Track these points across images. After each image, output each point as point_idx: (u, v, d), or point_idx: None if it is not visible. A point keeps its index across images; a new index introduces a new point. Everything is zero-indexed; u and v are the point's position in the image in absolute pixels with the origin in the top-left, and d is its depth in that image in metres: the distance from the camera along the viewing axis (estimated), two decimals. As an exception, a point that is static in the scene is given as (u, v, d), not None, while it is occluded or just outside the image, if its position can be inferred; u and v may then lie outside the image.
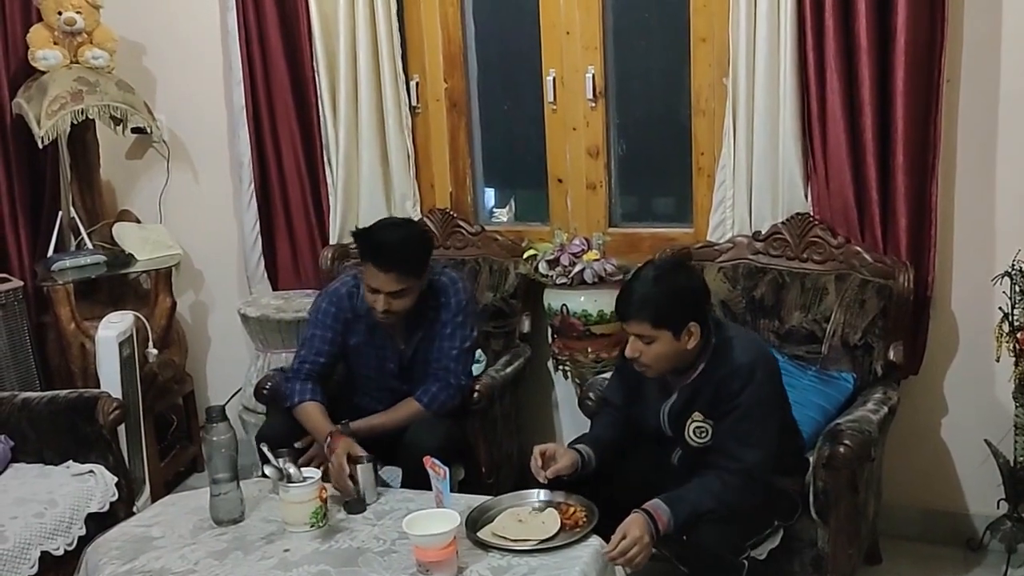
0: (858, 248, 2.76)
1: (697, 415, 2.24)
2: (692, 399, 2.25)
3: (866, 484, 2.46)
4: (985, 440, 2.77)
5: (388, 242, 2.55)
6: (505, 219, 3.57)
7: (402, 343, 2.70)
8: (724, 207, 2.99)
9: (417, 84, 3.39)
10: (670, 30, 3.16)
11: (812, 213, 2.86)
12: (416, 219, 3.25)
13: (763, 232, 2.92)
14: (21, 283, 3.36)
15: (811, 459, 2.37)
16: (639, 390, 2.37)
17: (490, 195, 3.60)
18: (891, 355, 2.65)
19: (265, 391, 2.87)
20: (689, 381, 2.25)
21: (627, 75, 3.28)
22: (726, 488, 2.16)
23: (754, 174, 2.92)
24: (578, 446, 2.35)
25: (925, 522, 2.98)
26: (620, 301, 2.23)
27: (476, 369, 2.97)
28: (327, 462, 2.41)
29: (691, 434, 2.25)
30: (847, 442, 2.27)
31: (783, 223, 2.89)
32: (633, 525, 2.10)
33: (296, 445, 2.56)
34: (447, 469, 2.18)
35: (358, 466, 2.34)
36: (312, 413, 2.59)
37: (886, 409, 2.50)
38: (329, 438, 2.44)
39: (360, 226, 3.30)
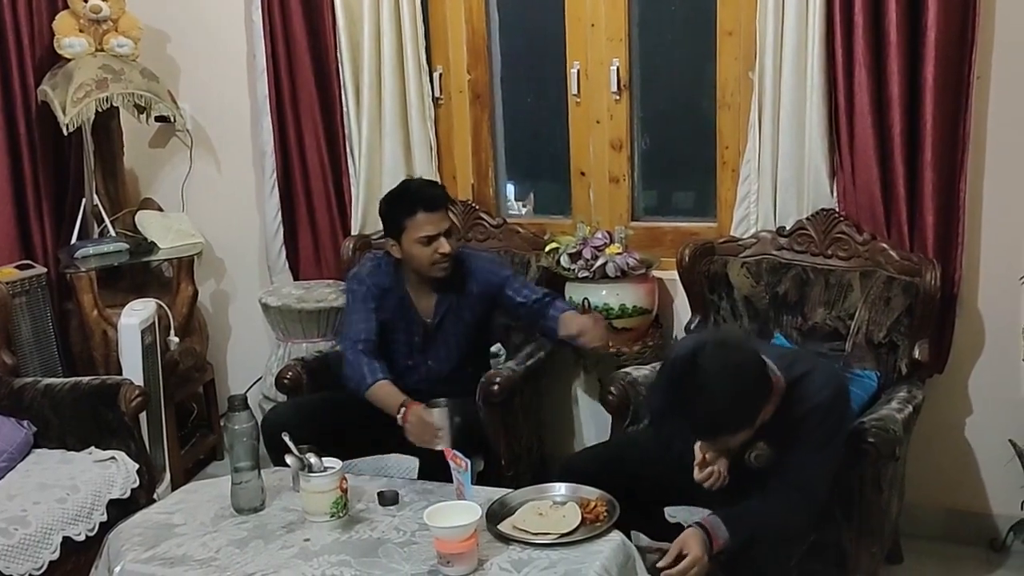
0: (884, 245, 2.73)
1: (761, 444, 2.16)
2: (758, 434, 2.15)
3: (890, 483, 2.44)
4: (1010, 440, 2.75)
5: (426, 185, 2.78)
6: (524, 212, 3.57)
7: (428, 316, 2.73)
8: (748, 202, 2.97)
9: (440, 75, 3.38)
10: (696, 23, 3.14)
11: (838, 209, 2.84)
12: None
13: (787, 228, 2.90)
14: (45, 270, 3.38)
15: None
16: (681, 430, 2.23)
17: (510, 187, 3.60)
18: (916, 353, 2.62)
19: (286, 380, 2.87)
20: None
21: (652, 68, 3.26)
22: (791, 518, 2.13)
23: (779, 169, 2.90)
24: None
25: (948, 522, 2.95)
26: (693, 422, 2.09)
27: (495, 363, 2.98)
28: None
29: (751, 459, 2.17)
30: (872, 440, 2.25)
31: (808, 219, 2.86)
32: (692, 542, 2.06)
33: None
34: (469, 461, 2.17)
35: (434, 410, 2.36)
36: (388, 390, 2.57)
37: (911, 408, 2.48)
38: (403, 408, 2.47)
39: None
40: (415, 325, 2.74)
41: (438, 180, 3.36)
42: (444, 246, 2.63)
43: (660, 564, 2.06)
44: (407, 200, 2.65)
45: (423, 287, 2.73)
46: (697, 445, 2.16)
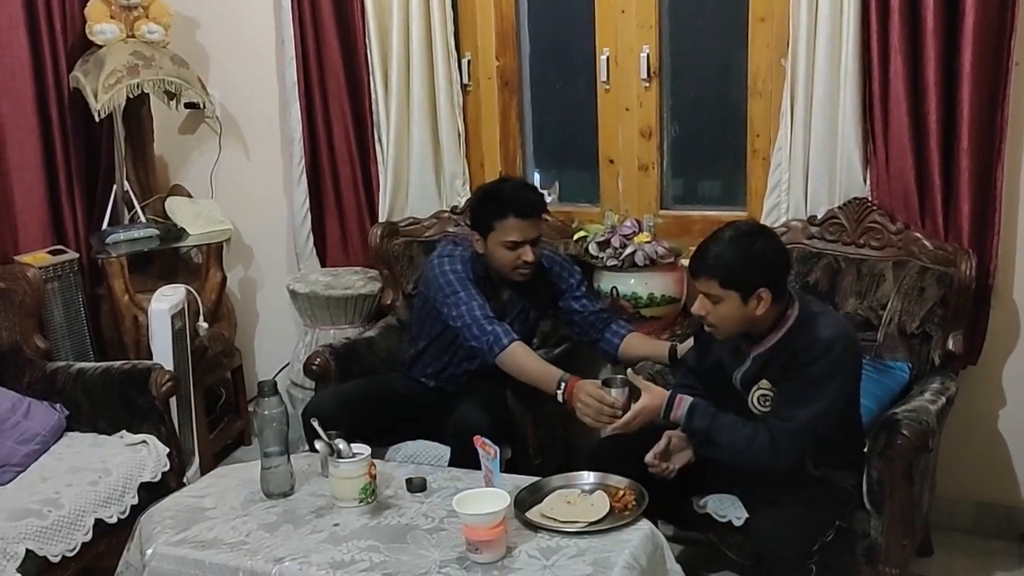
0: (918, 234, 2.70)
1: (764, 383, 2.21)
2: (764, 368, 2.21)
3: (921, 475, 2.41)
4: (1044, 433, 2.71)
5: (523, 189, 2.71)
6: (550, 200, 3.55)
7: (500, 307, 2.72)
8: (779, 190, 2.94)
9: (469, 62, 3.37)
10: (728, 9, 3.11)
11: (870, 198, 2.80)
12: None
13: (819, 216, 2.87)
14: (76, 255, 3.41)
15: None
16: (711, 350, 2.34)
17: (536, 176, 3.58)
18: (950, 344, 2.60)
19: (315, 367, 2.87)
20: (764, 350, 2.21)
21: (682, 55, 3.23)
22: (755, 440, 2.15)
23: (811, 157, 2.86)
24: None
25: (979, 515, 2.93)
26: (693, 257, 2.21)
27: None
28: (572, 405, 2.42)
29: (755, 402, 2.22)
30: (905, 432, 2.23)
31: (840, 208, 2.83)
32: (654, 396, 2.25)
33: None
34: (498, 449, 2.17)
35: (613, 389, 2.32)
36: (530, 356, 2.58)
37: (944, 399, 2.45)
38: (563, 383, 2.45)
39: (411, 205, 3.38)
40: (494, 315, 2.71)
41: (466, 167, 3.37)
42: (528, 254, 2.62)
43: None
44: (501, 201, 2.63)
45: (501, 283, 2.74)
46: (666, 433, 2.26)
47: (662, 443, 2.28)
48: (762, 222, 2.95)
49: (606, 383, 2.35)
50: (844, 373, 2.17)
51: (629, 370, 2.39)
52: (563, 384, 2.45)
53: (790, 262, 2.22)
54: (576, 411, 2.40)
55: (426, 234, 3.31)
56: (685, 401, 2.24)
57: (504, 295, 2.76)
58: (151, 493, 2.59)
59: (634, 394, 2.30)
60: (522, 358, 2.56)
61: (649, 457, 2.27)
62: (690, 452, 2.30)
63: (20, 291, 2.97)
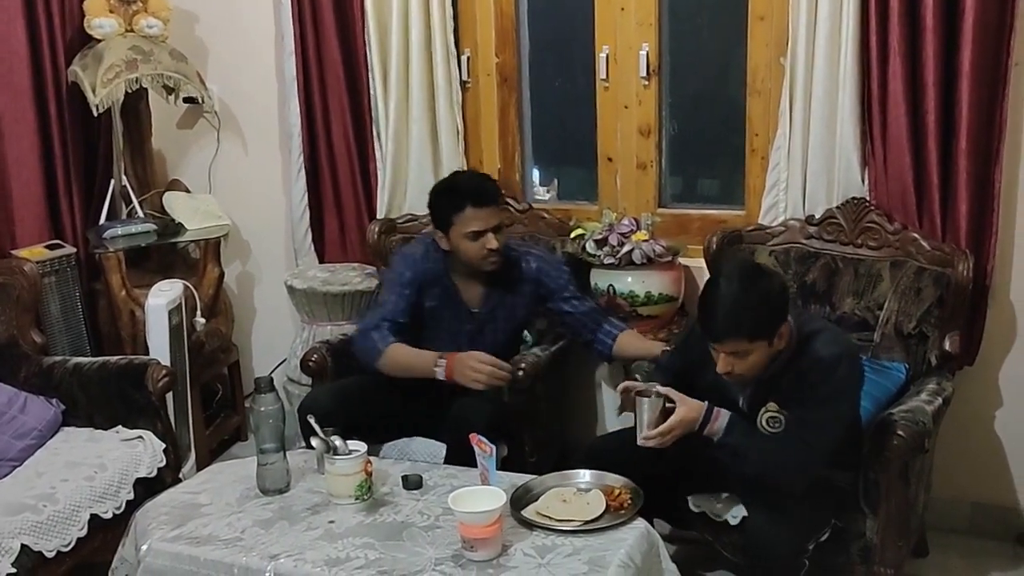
0: (915, 235, 2.70)
1: (772, 405, 2.21)
2: (770, 389, 2.21)
3: (917, 476, 2.41)
4: (1041, 434, 2.71)
5: (476, 180, 2.74)
6: (548, 198, 3.55)
7: (476, 306, 2.75)
8: (777, 189, 2.94)
9: (468, 58, 3.37)
10: (727, 8, 3.10)
11: (868, 198, 2.80)
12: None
13: (817, 216, 2.87)
14: (74, 250, 3.41)
15: (863, 450, 2.34)
16: (706, 371, 2.30)
17: (535, 173, 3.58)
18: (947, 345, 2.60)
19: (311, 363, 2.87)
20: (767, 374, 2.20)
21: (682, 53, 3.23)
22: (784, 468, 2.15)
23: (809, 157, 2.86)
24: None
25: (975, 516, 2.93)
26: (709, 321, 2.13)
27: (522, 348, 2.98)
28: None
29: (764, 423, 2.22)
30: (900, 433, 2.23)
31: (838, 207, 2.83)
32: (691, 407, 2.20)
33: None
34: (494, 447, 2.17)
35: (645, 400, 2.23)
36: (405, 351, 2.63)
37: (940, 400, 2.45)
38: (442, 359, 2.53)
39: (409, 202, 3.37)
40: (462, 314, 2.75)
41: (465, 164, 3.36)
42: (491, 242, 2.63)
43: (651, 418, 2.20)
44: (455, 194, 2.65)
45: (471, 278, 2.74)
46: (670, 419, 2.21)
47: (660, 426, 2.22)
48: (760, 221, 2.97)
49: (640, 394, 2.26)
50: (851, 390, 2.20)
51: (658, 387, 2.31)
52: (441, 361, 2.52)
53: (783, 280, 2.24)
54: (466, 380, 2.49)
55: (424, 231, 3.30)
56: (723, 415, 2.21)
57: (480, 292, 2.75)
58: (147, 489, 2.59)
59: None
60: (397, 355, 2.62)
61: (649, 432, 2.21)
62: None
63: (17, 286, 2.96)
